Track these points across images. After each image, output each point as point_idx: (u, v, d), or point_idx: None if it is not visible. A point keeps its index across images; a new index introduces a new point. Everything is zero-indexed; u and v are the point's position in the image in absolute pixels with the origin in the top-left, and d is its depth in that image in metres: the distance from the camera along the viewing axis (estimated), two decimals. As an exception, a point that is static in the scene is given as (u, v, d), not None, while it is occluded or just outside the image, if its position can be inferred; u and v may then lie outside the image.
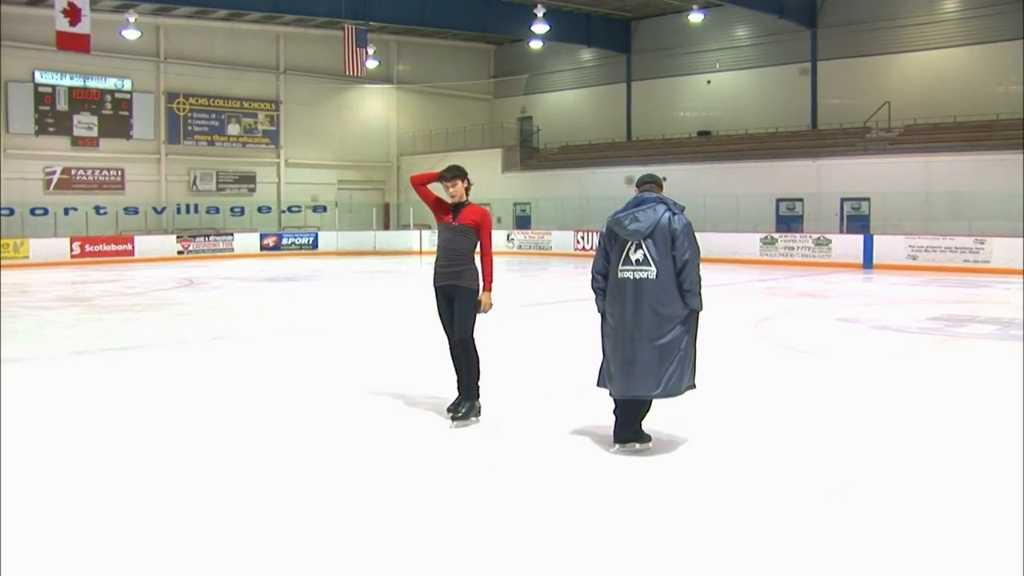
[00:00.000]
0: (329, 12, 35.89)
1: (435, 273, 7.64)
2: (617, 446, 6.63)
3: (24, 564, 4.60)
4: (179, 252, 34.99)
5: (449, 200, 7.60)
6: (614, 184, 37.01)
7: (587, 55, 43.96)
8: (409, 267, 28.99)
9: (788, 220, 32.38)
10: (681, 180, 35.04)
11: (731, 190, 32.89)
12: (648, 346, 6.42)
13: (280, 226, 40.60)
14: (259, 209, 40.62)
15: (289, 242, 38.05)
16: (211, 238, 36.30)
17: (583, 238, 34.20)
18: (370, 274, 25.79)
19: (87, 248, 33.29)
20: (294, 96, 42.33)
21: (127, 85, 38.15)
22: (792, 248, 29.37)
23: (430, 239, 37.96)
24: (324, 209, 41.39)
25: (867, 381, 9.75)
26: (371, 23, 35.85)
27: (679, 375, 6.54)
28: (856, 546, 4.78)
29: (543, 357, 11.45)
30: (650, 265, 6.42)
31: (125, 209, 37.43)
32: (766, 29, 37.35)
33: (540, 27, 36.38)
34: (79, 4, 28.64)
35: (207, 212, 39.55)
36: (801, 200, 32.30)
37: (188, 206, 39.12)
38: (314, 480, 6.06)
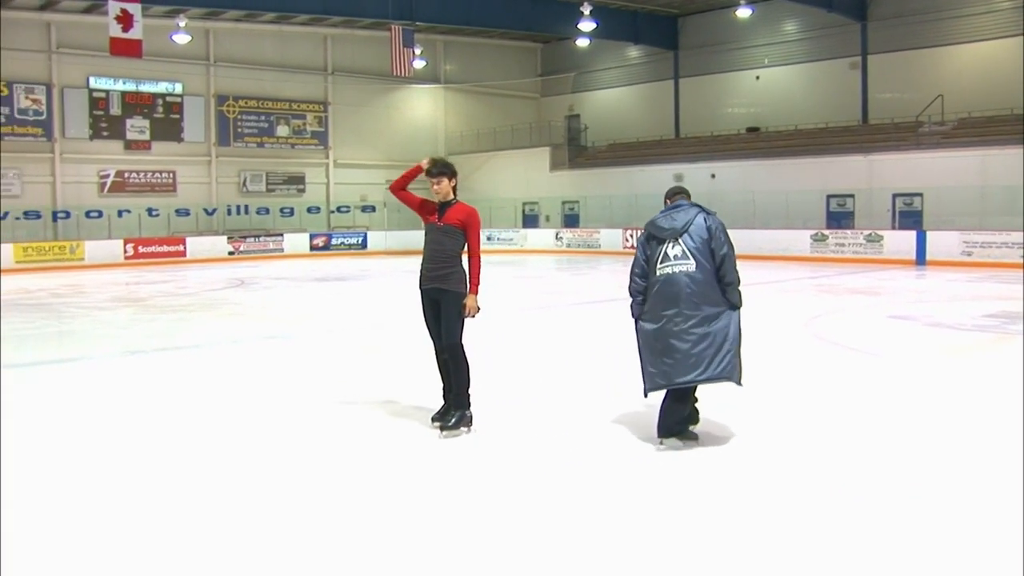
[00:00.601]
0: (376, 13, 36.02)
1: (421, 276, 7.29)
2: (662, 442, 6.69)
3: (73, 560, 4.67)
4: (230, 253, 35.34)
5: (435, 199, 7.29)
6: (663, 181, 36.57)
7: (634, 52, 43.77)
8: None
9: (839, 216, 32.03)
10: (730, 177, 34.88)
11: (781, 187, 32.58)
12: (692, 335, 6.55)
13: (329, 226, 40.84)
14: (308, 209, 40.90)
15: (338, 242, 38.29)
16: (261, 239, 36.62)
17: (632, 236, 34.04)
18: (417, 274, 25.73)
19: (140, 249, 33.73)
20: (342, 97, 42.57)
21: (178, 89, 38.57)
22: (843, 245, 29.07)
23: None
24: (373, 209, 41.57)
25: (920, 379, 9.62)
26: (418, 23, 35.99)
27: (729, 364, 6.65)
28: (902, 547, 4.72)
29: (587, 357, 11.40)
30: (688, 259, 6.64)
31: (177, 211, 37.88)
32: (815, 23, 36.97)
33: (587, 25, 36.28)
34: (131, 11, 29.08)
35: (257, 213, 39.89)
36: (852, 196, 31.94)
37: (238, 207, 39.50)
38: (346, 483, 6.09)
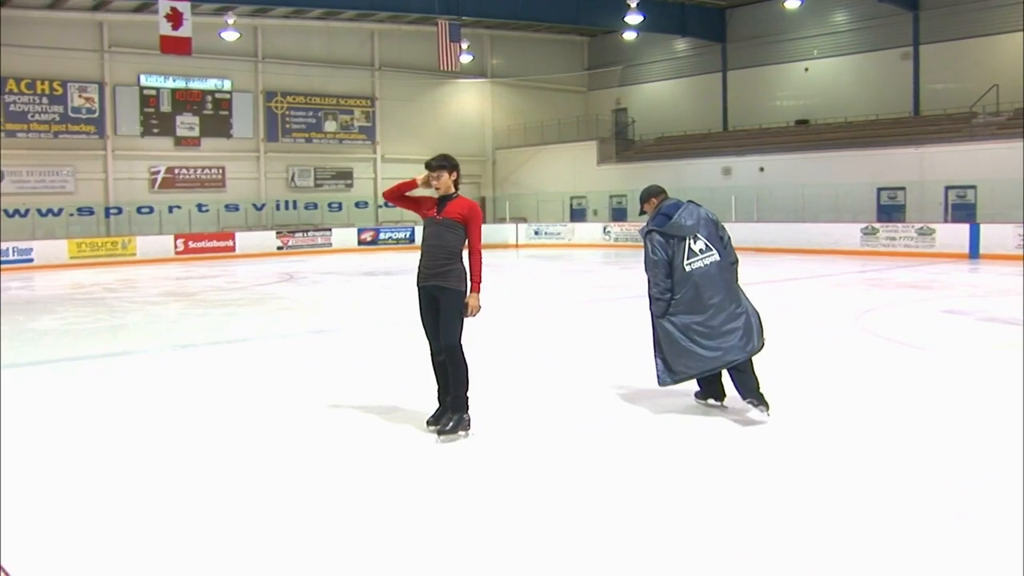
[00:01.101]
0: (423, 8, 36.08)
1: (418, 272, 7.01)
2: (762, 409, 7.28)
3: (137, 552, 4.73)
4: (279, 248, 35.59)
5: (435, 194, 7.00)
6: (711, 175, 36.69)
7: (681, 45, 43.52)
8: (505, 260, 29.09)
9: (889, 209, 31.64)
10: (779, 170, 34.61)
11: (830, 179, 32.26)
12: (739, 316, 7.26)
13: (377, 221, 41.00)
14: (356, 204, 41.10)
15: (386, 236, 38.42)
16: (309, 233, 36.84)
17: (680, 230, 33.79)
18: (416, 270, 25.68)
19: (190, 245, 34.06)
20: (389, 92, 42.72)
21: (227, 85, 38.92)
22: (894, 238, 28.69)
23: (527, 232, 38.05)
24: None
25: (972, 375, 9.46)
26: (464, 18, 35.98)
27: (758, 332, 7.35)
28: (938, 541, 4.66)
29: (626, 352, 11.35)
30: (711, 250, 7.34)
31: (226, 206, 38.26)
32: (865, 13, 36.55)
33: (634, 18, 36.11)
34: (181, 9, 29.38)
35: (305, 208, 40.17)
36: (903, 189, 31.54)
37: (287, 202, 39.80)
38: (359, 482, 6.11)
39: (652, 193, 7.70)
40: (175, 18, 29.47)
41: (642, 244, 7.57)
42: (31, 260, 30.31)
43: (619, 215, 39.52)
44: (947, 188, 30.33)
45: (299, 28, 40.11)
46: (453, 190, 6.99)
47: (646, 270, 7.46)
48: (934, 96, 34.86)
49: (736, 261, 7.57)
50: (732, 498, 5.43)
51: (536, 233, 38.00)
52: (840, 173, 32.45)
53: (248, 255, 34.05)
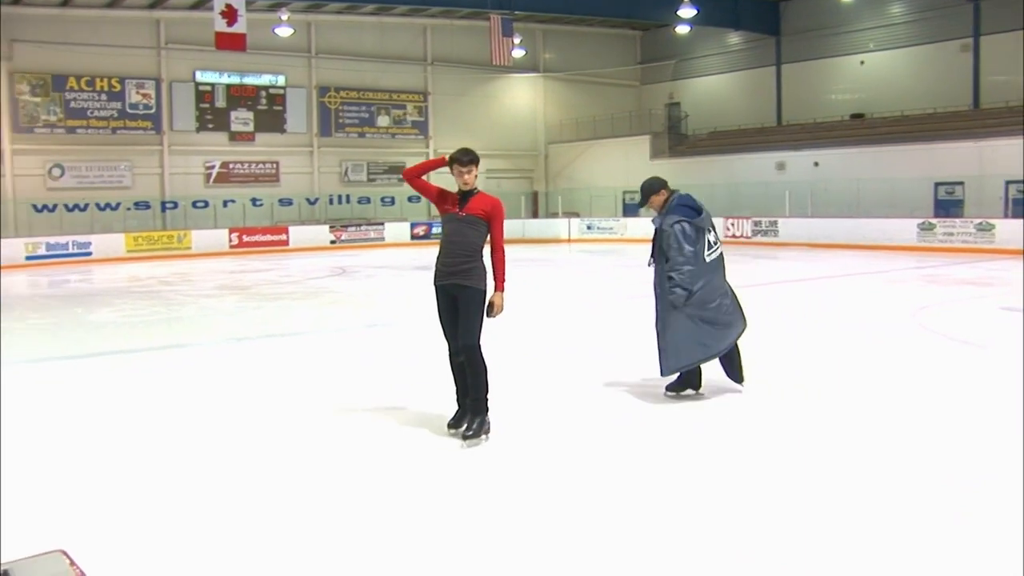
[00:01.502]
0: (475, 3, 36.09)
1: (437, 270, 6.80)
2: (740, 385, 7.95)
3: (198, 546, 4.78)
4: (332, 242, 35.80)
5: (462, 187, 6.78)
6: (764, 170, 36.38)
7: (735, 39, 43.14)
8: (558, 255, 29.03)
9: (947, 205, 31.14)
10: (834, 164, 34.24)
11: (886, 174, 31.81)
12: (731, 305, 7.89)
13: (430, 215, 41.02)
14: (409, 199, 41.20)
15: (439, 231, 38.41)
16: (362, 228, 37.02)
17: (733, 225, 33.58)
18: (520, 262, 25.81)
19: (244, 238, 34.37)
20: (442, 87, 42.83)
21: (281, 81, 39.22)
22: (951, 234, 28.18)
23: (579, 227, 37.96)
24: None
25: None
26: (516, 12, 35.97)
27: (742, 313, 8.04)
28: (989, 539, 4.58)
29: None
30: (719, 242, 7.92)
31: (280, 200, 38.58)
32: (923, 4, 35.98)
33: (687, 12, 35.87)
34: (236, 5, 29.64)
35: (358, 202, 40.38)
36: (961, 184, 31.02)
37: (340, 197, 40.03)
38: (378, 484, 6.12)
39: (661, 185, 7.83)
40: (230, 15, 29.75)
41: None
42: (90, 253, 30.76)
43: (672, 210, 39.21)
44: (1007, 183, 29.76)
45: (352, 23, 40.32)
46: (474, 185, 6.84)
47: (671, 262, 7.50)
48: (994, 88, 34.22)
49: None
50: (782, 497, 5.38)
51: (588, 228, 37.86)
52: (896, 168, 32.00)
53: (301, 249, 34.29)
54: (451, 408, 6.99)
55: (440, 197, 6.86)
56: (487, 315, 6.68)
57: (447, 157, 6.86)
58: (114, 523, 5.08)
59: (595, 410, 7.66)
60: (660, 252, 7.58)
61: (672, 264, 7.47)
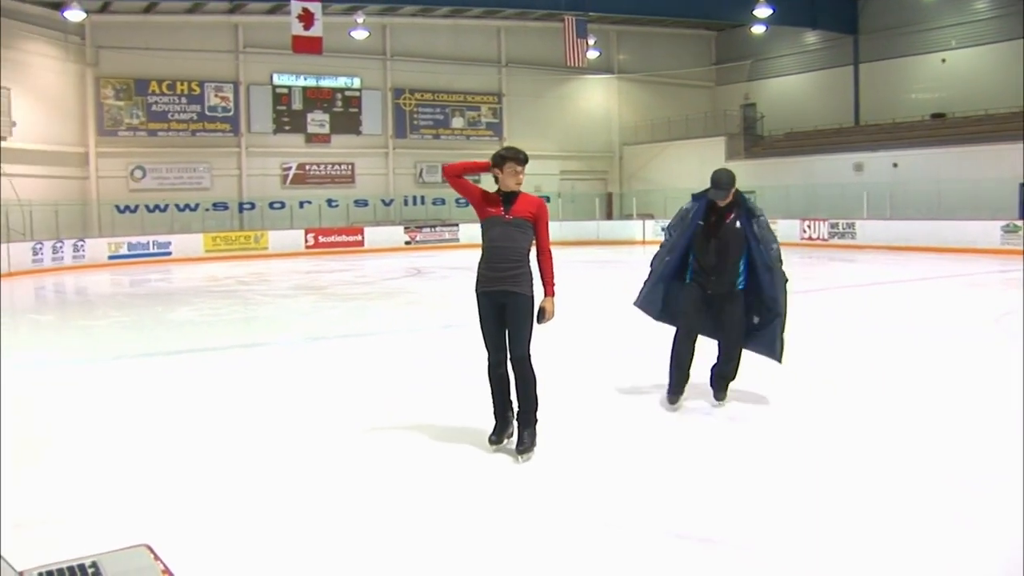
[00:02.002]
0: (549, 4, 36.07)
1: (481, 276, 6.36)
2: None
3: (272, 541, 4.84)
4: (406, 243, 36.03)
5: (513, 188, 6.30)
6: (842, 171, 35.86)
7: (812, 38, 42.57)
8: (632, 256, 28.87)
9: (1033, 206, 30.39)
10: (913, 166, 33.64)
11: (968, 175, 31.11)
12: None
13: (503, 217, 41.15)
14: (483, 200, 41.31)
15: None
16: (437, 229, 37.20)
17: (809, 227, 33.14)
18: (595, 264, 25.84)
19: (320, 239, 34.74)
20: (516, 88, 42.89)
21: (356, 83, 39.60)
22: (1037, 236, 27.50)
23: (653, 229, 37.73)
24: (547, 199, 41.45)
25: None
26: (591, 13, 35.91)
27: None
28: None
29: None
30: None
31: (355, 201, 38.94)
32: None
33: (763, 11, 35.51)
34: (312, 9, 29.99)
35: (433, 203, 40.59)
36: (1048, 184, 30.27)
37: (415, 198, 40.28)
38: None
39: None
40: (307, 18, 30.12)
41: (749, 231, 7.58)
42: (169, 253, 31.34)
43: (747, 212, 38.80)
44: (1096, 183, 28.96)
45: (426, 26, 40.57)
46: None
47: (776, 251, 7.73)
48: (1085, 86, 33.28)
49: None
50: (861, 502, 5.30)
51: (663, 229, 37.53)
52: (979, 168, 31.28)
53: (376, 250, 34.56)
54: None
55: (483, 199, 6.37)
56: (537, 322, 6.33)
57: (491, 160, 6.36)
58: (196, 518, 5.16)
59: (645, 418, 7.58)
60: (745, 242, 7.58)
61: (777, 252, 7.72)
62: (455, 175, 6.50)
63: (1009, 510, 5.03)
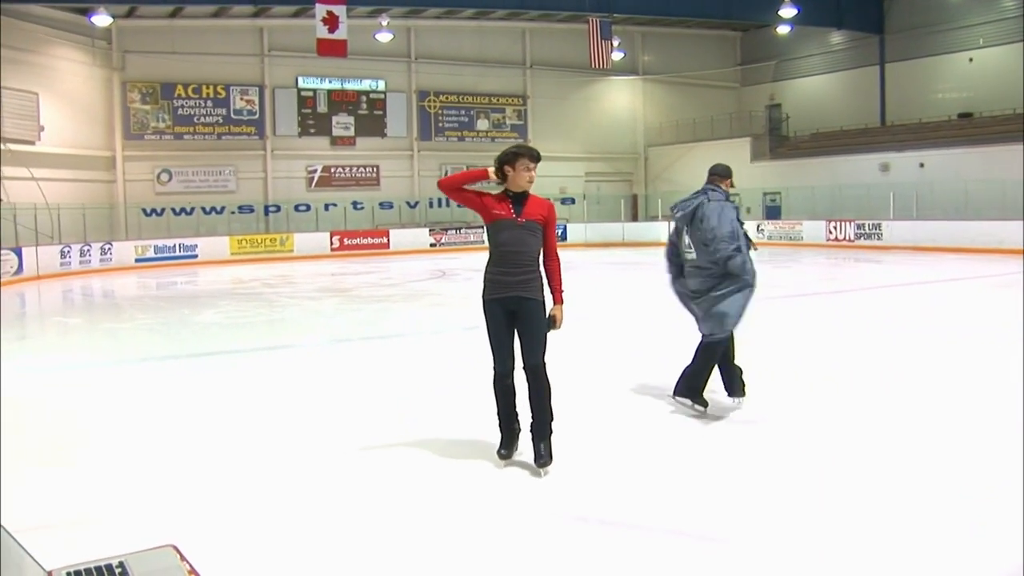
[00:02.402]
0: (574, 6, 36.08)
1: (491, 282, 6.00)
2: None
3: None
4: (431, 245, 36.11)
5: (525, 187, 5.91)
6: (868, 171, 35.67)
7: (837, 38, 42.36)
8: (657, 258, 28.58)
9: (1062, 206, 30.08)
10: (940, 166, 33.41)
11: (996, 175, 30.82)
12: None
13: (528, 219, 41.15)
14: (507, 202, 41.32)
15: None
16: (462, 231, 37.26)
17: (835, 228, 32.99)
18: (619, 265, 25.86)
19: (345, 241, 34.86)
20: (540, 90, 42.89)
21: (381, 86, 39.71)
22: (1067, 236, 27.21)
23: (676, 230, 37.55)
24: (572, 201, 41.65)
25: None
26: (615, 15, 35.87)
27: None
28: None
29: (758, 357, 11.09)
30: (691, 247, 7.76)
31: (380, 204, 39.05)
32: (1036, -2, 34.87)
33: (788, 11, 35.41)
34: (337, 12, 30.09)
35: (458, 206, 40.43)
36: (1077, 184, 29.97)
37: (440, 200, 40.27)
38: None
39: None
40: (331, 21, 30.22)
41: (733, 229, 7.32)
42: (195, 256, 31.54)
43: (772, 213, 38.77)
44: None
45: (451, 28, 40.65)
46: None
47: (726, 240, 7.26)
48: (1112, 85, 32.97)
49: None
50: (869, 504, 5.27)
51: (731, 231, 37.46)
52: (1007, 168, 30.98)
53: (401, 252, 34.65)
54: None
55: (487, 202, 5.95)
56: (548, 329, 5.98)
57: (499, 158, 5.93)
58: (221, 519, 5.19)
59: (665, 422, 7.54)
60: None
61: (726, 242, 7.42)
62: (454, 188, 6.02)
63: (1014, 515, 4.99)
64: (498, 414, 6.21)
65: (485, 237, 6.11)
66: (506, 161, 5.88)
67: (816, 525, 4.92)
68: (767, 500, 5.35)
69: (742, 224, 7.46)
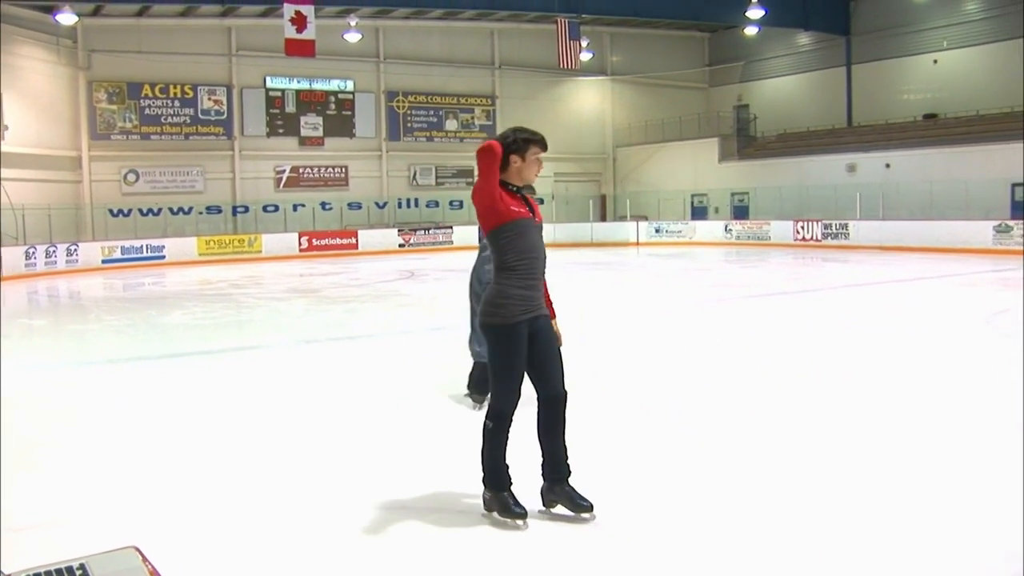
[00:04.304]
0: (542, 6, 36.18)
1: (517, 299, 4.86)
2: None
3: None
4: (400, 245, 36.04)
5: (533, 181, 5.10)
6: (835, 172, 35.94)
7: (804, 39, 42.65)
8: (626, 258, 28.90)
9: (1025, 206, 30.45)
10: (906, 166, 33.71)
11: (960, 175, 31.15)
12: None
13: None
14: (478, 202, 41.32)
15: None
16: (431, 231, 37.21)
17: (803, 228, 33.21)
18: (588, 266, 25.89)
19: (314, 242, 34.75)
20: (509, 90, 42.94)
21: (350, 86, 39.61)
22: (1030, 236, 27.53)
23: (647, 230, 37.78)
24: (541, 201, 41.08)
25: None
26: (584, 15, 35.97)
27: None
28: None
29: (745, 355, 11.15)
30: None
31: (349, 204, 38.97)
32: (999, 0, 35.16)
33: (755, 12, 35.62)
34: (305, 12, 29.99)
35: (427, 206, 40.62)
36: (1040, 184, 30.32)
37: (408, 200, 40.32)
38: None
39: None
40: (299, 21, 30.12)
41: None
42: (163, 257, 31.35)
43: (740, 213, 38.96)
44: (1088, 183, 29.01)
45: (419, 28, 40.60)
46: None
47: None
48: (1074, 86, 33.35)
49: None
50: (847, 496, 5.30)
51: (657, 231, 37.68)
52: (971, 169, 31.33)
53: (370, 252, 34.58)
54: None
55: (505, 198, 4.87)
56: None
57: (500, 144, 4.83)
58: (185, 520, 5.15)
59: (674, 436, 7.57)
60: None
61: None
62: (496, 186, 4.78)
63: (1002, 512, 5.03)
64: (489, 464, 5.02)
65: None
66: (514, 150, 4.88)
67: (795, 526, 4.94)
68: (745, 501, 5.37)
69: None
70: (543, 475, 5.07)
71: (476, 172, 4.83)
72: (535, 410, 5.06)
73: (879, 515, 5.00)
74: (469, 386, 7.86)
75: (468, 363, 7.94)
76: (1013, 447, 6.31)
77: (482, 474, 5.04)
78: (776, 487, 5.58)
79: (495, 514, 4.98)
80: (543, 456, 5.05)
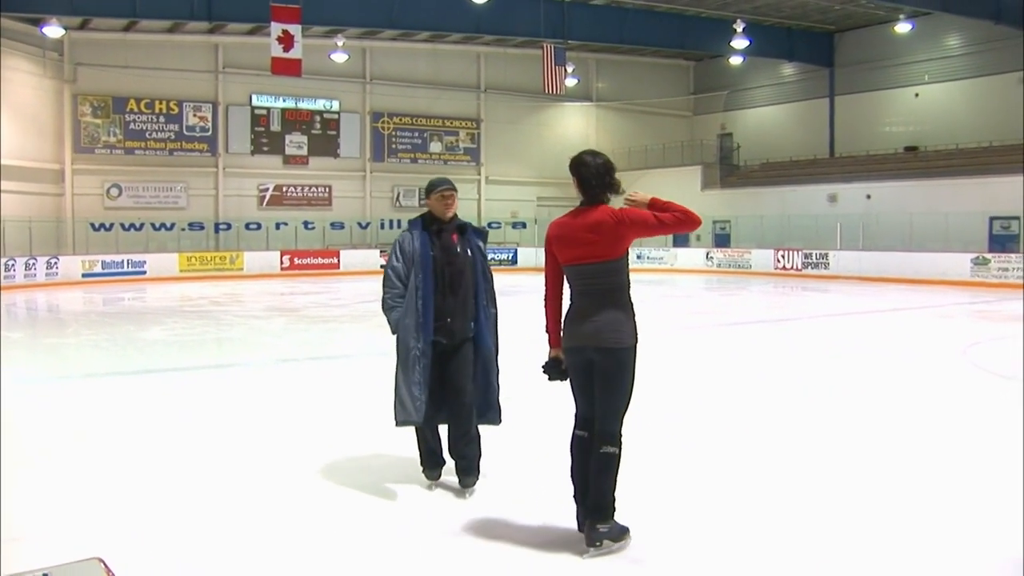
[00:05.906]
0: (528, 31, 36.31)
1: (570, 331, 5.32)
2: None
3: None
4: (382, 266, 35.78)
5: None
6: (816, 202, 36.15)
7: (788, 70, 43.02)
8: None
9: (1002, 239, 30.67)
10: (886, 197, 33.96)
11: (940, 208, 31.40)
12: None
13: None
14: (459, 225, 41.36)
15: (489, 258, 38.26)
16: (413, 253, 37.15)
17: (784, 257, 33.38)
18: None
19: (296, 261, 34.74)
20: (494, 114, 43.09)
21: (335, 106, 39.69)
22: (1006, 269, 27.72)
23: (629, 257, 37.74)
24: (523, 225, 41.80)
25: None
26: (570, 41, 36.14)
27: None
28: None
29: (723, 383, 11.21)
30: None
31: (332, 224, 38.95)
32: (980, 36, 35.51)
33: (740, 43, 35.87)
34: (292, 31, 30.05)
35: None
36: (1017, 218, 30.54)
37: (392, 221, 40.29)
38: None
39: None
40: (286, 40, 30.17)
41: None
42: (144, 272, 31.27)
43: (722, 241, 39.11)
44: (1065, 218, 29.28)
45: (406, 50, 40.71)
46: None
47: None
48: (1052, 122, 33.71)
49: None
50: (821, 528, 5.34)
51: (638, 257, 37.74)
52: (950, 201, 31.58)
53: (352, 272, 34.57)
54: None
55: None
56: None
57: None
58: (149, 534, 5.15)
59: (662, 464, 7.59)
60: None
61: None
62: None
63: (984, 540, 5.08)
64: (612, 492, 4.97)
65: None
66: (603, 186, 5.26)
67: (780, 548, 4.97)
68: (737, 523, 5.40)
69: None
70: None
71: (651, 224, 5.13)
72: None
73: (867, 538, 5.04)
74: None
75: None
76: (983, 477, 6.38)
77: (604, 509, 4.88)
78: (761, 512, 5.62)
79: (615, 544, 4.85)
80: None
